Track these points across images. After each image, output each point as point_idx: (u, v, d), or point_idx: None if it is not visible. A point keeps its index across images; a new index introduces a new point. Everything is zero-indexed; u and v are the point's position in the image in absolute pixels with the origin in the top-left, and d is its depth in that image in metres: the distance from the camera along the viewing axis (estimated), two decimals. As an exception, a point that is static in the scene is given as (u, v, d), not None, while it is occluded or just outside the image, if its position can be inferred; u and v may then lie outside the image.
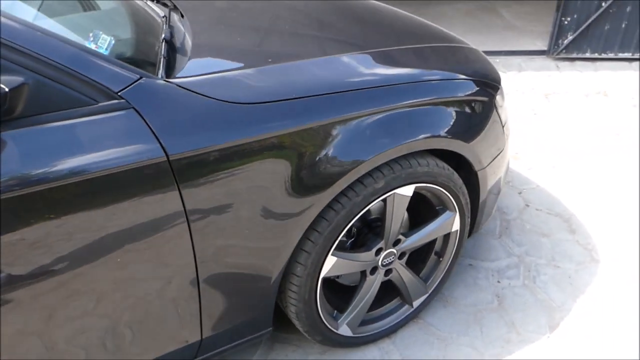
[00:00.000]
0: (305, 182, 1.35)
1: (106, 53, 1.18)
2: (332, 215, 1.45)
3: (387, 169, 1.50)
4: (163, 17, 1.59)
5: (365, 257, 1.63)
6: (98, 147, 1.07)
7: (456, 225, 1.79)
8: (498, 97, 1.80)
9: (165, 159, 1.13)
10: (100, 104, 1.08)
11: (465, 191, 1.74)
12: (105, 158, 1.07)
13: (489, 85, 1.77)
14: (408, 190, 1.58)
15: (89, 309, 1.18)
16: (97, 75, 1.07)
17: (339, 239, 1.50)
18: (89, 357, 1.24)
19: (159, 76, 1.23)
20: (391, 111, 1.46)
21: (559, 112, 3.33)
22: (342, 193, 1.45)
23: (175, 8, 1.74)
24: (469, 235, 1.98)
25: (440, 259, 1.87)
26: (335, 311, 1.71)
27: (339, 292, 1.78)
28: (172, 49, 1.42)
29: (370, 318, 1.81)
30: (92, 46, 1.17)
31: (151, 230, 1.17)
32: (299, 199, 1.35)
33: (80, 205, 1.08)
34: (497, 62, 3.96)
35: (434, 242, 1.84)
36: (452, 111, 1.62)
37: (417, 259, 1.89)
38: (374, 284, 1.71)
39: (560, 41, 3.93)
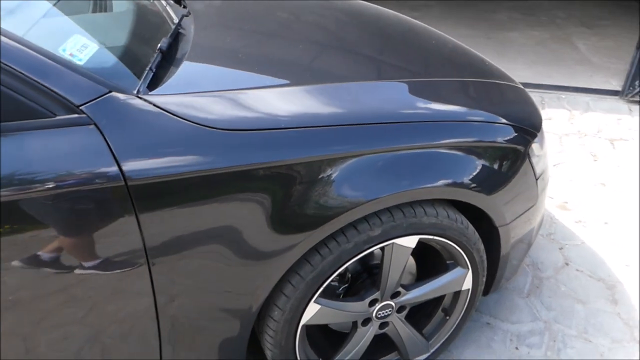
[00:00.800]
0: (289, 221, 1.21)
1: (80, 61, 1.10)
2: (317, 259, 1.31)
3: (387, 216, 1.34)
4: (175, 22, 1.51)
5: (356, 307, 1.47)
6: (50, 163, 0.99)
7: (468, 284, 1.59)
8: (534, 146, 1.59)
9: (123, 183, 1.03)
10: (58, 117, 1.00)
11: (482, 247, 1.55)
12: (56, 175, 0.99)
13: (527, 131, 1.57)
14: (410, 242, 1.41)
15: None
16: (57, 85, 0.99)
17: (326, 284, 1.36)
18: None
19: (137, 91, 1.13)
20: (409, 150, 1.30)
21: (624, 161, 3.00)
22: (332, 236, 1.31)
23: (189, 13, 1.65)
24: (487, 293, 1.77)
25: (447, 318, 1.67)
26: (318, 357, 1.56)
27: (331, 337, 1.63)
28: (168, 61, 1.33)
29: (363, 371, 1.65)
30: (66, 53, 1.09)
31: (104, 263, 1.07)
32: (280, 237, 1.22)
33: (28, 220, 1.01)
34: (562, 99, 3.66)
35: (442, 297, 1.66)
36: (480, 158, 1.44)
37: (421, 313, 1.70)
38: (365, 336, 1.55)
39: (637, 82, 3.57)
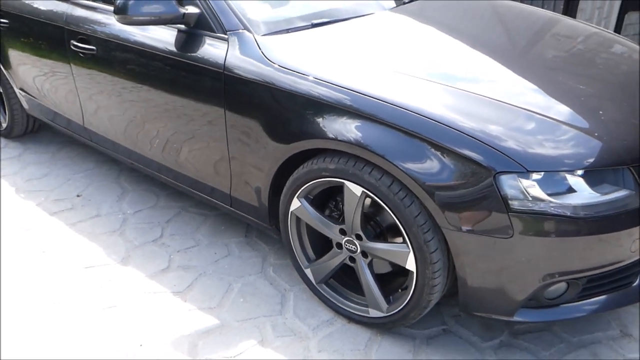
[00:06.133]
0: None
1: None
2: (300, 168, 1.96)
3: (343, 159, 1.82)
4: None
5: (328, 225, 1.99)
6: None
7: (411, 265, 1.79)
8: (525, 182, 1.57)
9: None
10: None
11: (428, 238, 1.71)
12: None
13: (508, 161, 1.58)
14: (356, 189, 1.82)
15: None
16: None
17: (304, 188, 1.97)
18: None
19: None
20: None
21: None
22: (309, 156, 1.93)
23: None
24: (460, 310, 1.81)
25: (402, 293, 1.89)
26: (314, 257, 2.15)
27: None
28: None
29: (336, 287, 2.11)
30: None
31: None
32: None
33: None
34: None
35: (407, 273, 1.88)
36: (443, 160, 1.66)
37: (394, 282, 1.97)
38: (336, 257, 2.03)
39: None
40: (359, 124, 1.77)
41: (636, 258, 1.72)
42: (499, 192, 1.58)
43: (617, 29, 4.11)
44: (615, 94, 1.93)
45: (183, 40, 2.24)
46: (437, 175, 1.65)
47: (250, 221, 2.34)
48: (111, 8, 2.51)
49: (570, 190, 1.61)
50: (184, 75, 2.23)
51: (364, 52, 2.05)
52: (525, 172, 1.57)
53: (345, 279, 2.12)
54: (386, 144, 1.72)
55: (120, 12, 2.14)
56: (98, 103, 2.72)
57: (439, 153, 1.65)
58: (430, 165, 1.66)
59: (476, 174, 1.61)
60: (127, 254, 2.52)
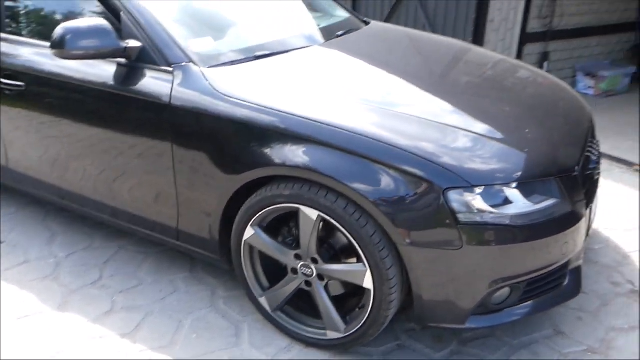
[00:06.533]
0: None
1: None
2: (253, 197, 1.99)
3: (297, 184, 1.88)
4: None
5: (282, 251, 2.02)
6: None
7: (369, 283, 1.86)
8: (472, 197, 1.72)
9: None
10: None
11: (384, 256, 1.79)
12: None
13: (454, 177, 1.73)
14: (312, 213, 1.88)
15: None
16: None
17: (257, 217, 2.00)
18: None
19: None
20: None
21: None
22: (261, 184, 1.96)
23: None
24: (415, 322, 1.91)
25: (358, 310, 1.95)
26: (268, 285, 2.16)
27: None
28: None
29: (291, 314, 2.13)
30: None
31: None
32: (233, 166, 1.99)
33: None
34: None
35: (363, 292, 1.94)
36: (389, 177, 1.77)
37: (349, 302, 2.03)
38: (291, 282, 2.06)
39: None
40: (305, 148, 1.85)
41: (566, 260, 1.92)
42: (448, 207, 1.71)
43: (518, 59, 4.58)
44: (532, 114, 2.16)
45: (125, 74, 2.22)
46: (388, 194, 1.75)
47: (199, 254, 2.31)
48: (41, 42, 2.45)
49: (507, 201, 1.78)
50: (126, 110, 2.20)
51: (304, 81, 2.15)
52: (470, 187, 1.72)
53: (300, 304, 2.15)
54: (333, 165, 1.80)
55: (57, 46, 2.09)
56: (25, 140, 2.59)
57: (384, 171, 1.76)
58: (379, 184, 1.76)
59: (425, 191, 1.73)
60: (64, 299, 2.38)
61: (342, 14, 3.06)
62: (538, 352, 2.09)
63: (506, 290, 1.86)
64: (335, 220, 1.84)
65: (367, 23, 3.04)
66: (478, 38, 4.42)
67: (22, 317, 2.26)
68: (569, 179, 1.89)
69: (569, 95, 2.48)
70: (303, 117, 1.88)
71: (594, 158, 2.19)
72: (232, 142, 1.99)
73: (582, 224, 1.93)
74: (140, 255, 2.68)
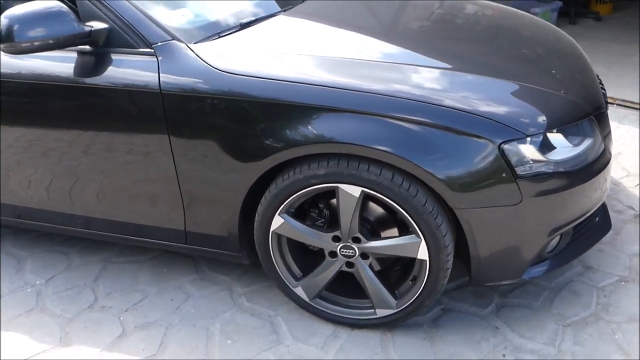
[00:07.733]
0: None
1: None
2: (279, 182, 1.79)
3: (333, 161, 1.70)
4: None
5: (319, 236, 1.85)
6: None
7: (423, 254, 1.75)
8: (523, 147, 1.63)
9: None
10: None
11: (439, 223, 1.68)
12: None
13: (505, 128, 1.64)
14: (354, 190, 1.71)
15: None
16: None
17: (287, 203, 1.80)
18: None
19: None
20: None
21: None
22: (291, 166, 1.76)
23: None
24: (472, 284, 1.84)
25: (411, 283, 1.85)
26: (301, 273, 1.99)
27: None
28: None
29: (331, 298, 1.99)
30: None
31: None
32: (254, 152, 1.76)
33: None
34: None
35: (413, 264, 1.84)
36: (437, 139, 1.66)
37: (396, 274, 1.92)
38: (331, 266, 1.90)
39: None
40: (344, 120, 1.67)
41: (605, 198, 1.91)
42: (505, 161, 1.62)
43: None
44: (544, 56, 2.11)
45: (92, 64, 1.89)
46: (442, 159, 1.63)
47: (213, 254, 2.08)
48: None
49: (552, 147, 1.72)
50: (101, 104, 1.88)
51: (306, 48, 1.94)
52: (523, 138, 1.63)
53: (337, 287, 2.01)
54: (380, 135, 1.65)
55: (6, 39, 1.72)
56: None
57: (435, 135, 1.63)
58: (432, 149, 1.63)
59: (480, 149, 1.62)
60: (64, 331, 2.07)
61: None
62: (577, 290, 2.11)
63: (557, 237, 1.83)
64: (382, 194, 1.69)
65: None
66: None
67: (20, 361, 1.94)
68: (600, 115, 1.87)
69: (554, 31, 2.45)
70: (336, 87, 1.69)
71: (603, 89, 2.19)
72: (248, 124, 1.76)
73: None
74: (131, 265, 2.39)
